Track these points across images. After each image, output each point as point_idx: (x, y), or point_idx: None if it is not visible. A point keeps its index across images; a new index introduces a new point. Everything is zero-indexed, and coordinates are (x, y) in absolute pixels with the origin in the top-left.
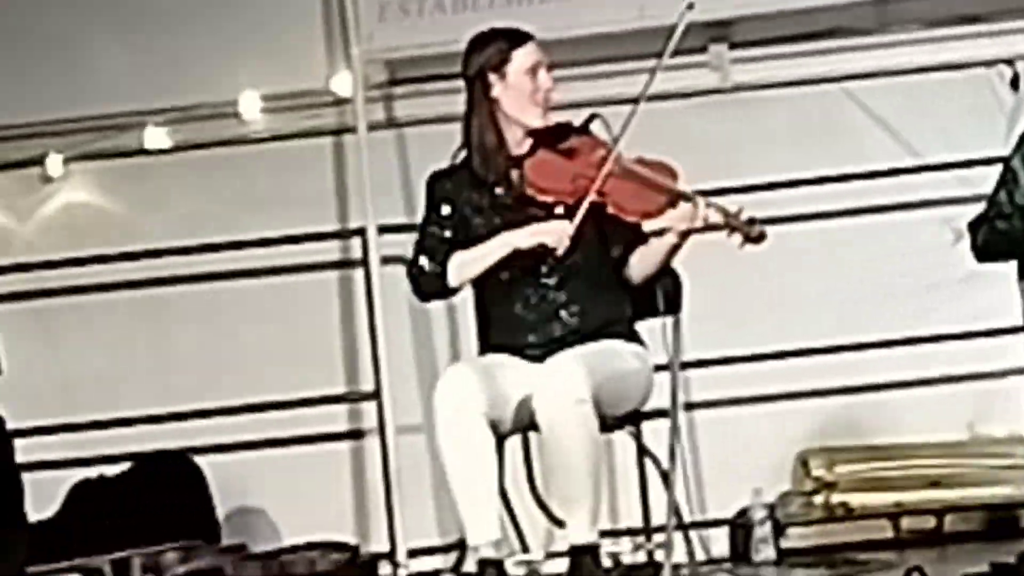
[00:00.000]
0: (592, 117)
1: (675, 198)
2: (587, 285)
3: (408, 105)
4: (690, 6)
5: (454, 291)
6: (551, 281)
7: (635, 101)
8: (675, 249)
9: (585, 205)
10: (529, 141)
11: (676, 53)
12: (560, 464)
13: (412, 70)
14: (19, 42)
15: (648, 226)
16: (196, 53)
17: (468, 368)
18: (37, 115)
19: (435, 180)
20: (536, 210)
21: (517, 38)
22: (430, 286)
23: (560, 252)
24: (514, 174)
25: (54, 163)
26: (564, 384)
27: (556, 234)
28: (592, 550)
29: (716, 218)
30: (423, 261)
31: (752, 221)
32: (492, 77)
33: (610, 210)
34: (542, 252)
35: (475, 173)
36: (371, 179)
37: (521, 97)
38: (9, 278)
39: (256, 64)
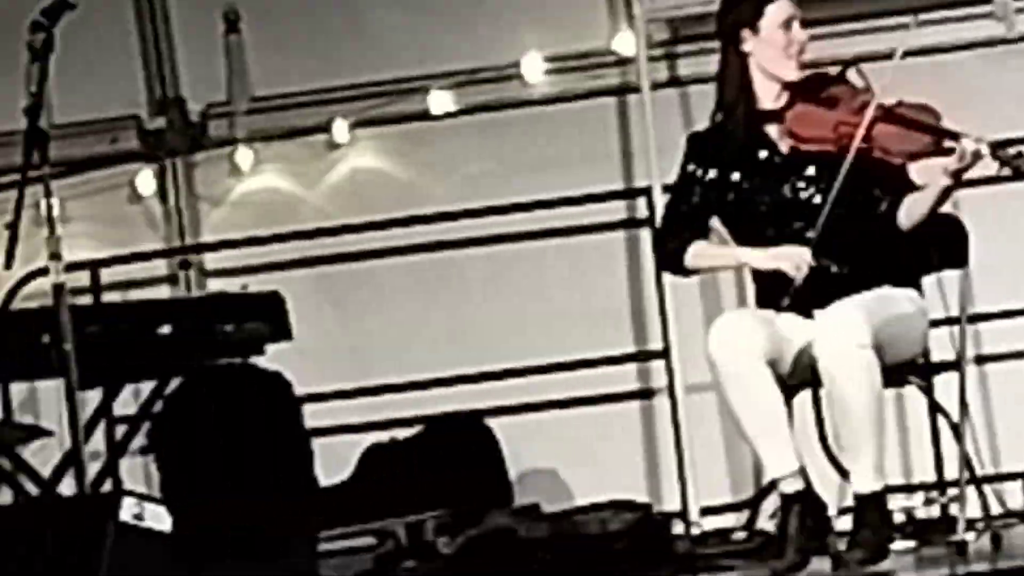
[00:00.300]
0: (848, 65)
1: (941, 138)
2: (854, 237)
3: (691, 63)
4: None
5: (689, 272)
6: (813, 235)
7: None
8: (947, 192)
9: (853, 150)
10: (787, 94)
11: (960, 4)
12: (843, 411)
13: (695, 28)
14: (304, 10)
15: (915, 168)
16: (479, 16)
17: (738, 312)
18: (323, 82)
19: (692, 141)
20: (798, 169)
21: None
22: (668, 263)
23: (799, 282)
24: (771, 129)
25: (340, 129)
26: (845, 331)
27: (794, 261)
28: (877, 498)
29: (985, 152)
30: (667, 236)
31: (1021, 155)
32: (745, 33)
33: (876, 154)
34: (780, 275)
35: (732, 132)
36: (655, 138)
37: (775, 51)
38: (297, 244)
39: (539, 26)
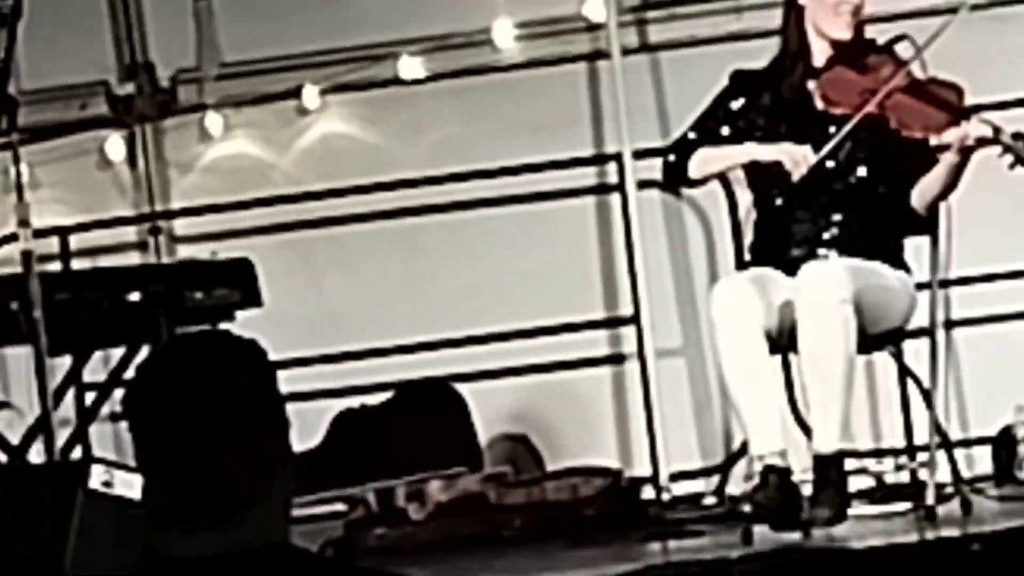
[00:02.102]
0: (900, 38)
1: (957, 115)
2: (860, 210)
3: (662, 29)
4: None
5: (694, 182)
6: (825, 202)
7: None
8: (957, 170)
9: (859, 115)
10: (832, 54)
11: None
12: (815, 368)
13: None
14: None
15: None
16: None
17: (742, 280)
18: (292, 48)
19: (735, 76)
20: (818, 120)
21: None
22: (672, 176)
23: (795, 178)
24: (810, 84)
25: (310, 95)
26: (828, 283)
27: (796, 157)
28: (839, 459)
29: (987, 134)
30: (676, 147)
31: (1018, 136)
32: None
33: (892, 125)
34: (778, 172)
35: (788, 85)
36: (626, 104)
37: (826, 7)
38: (267, 211)
39: None
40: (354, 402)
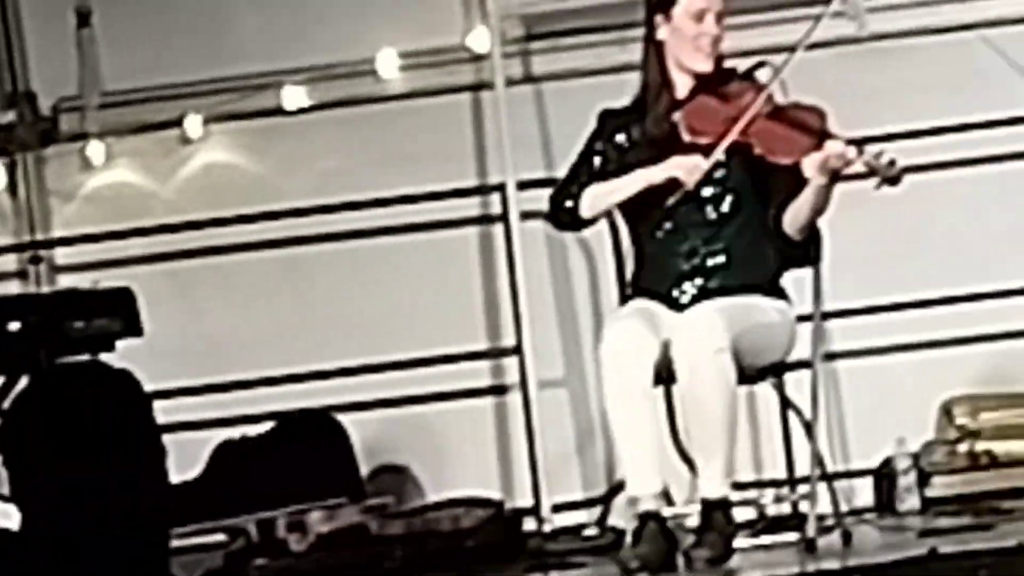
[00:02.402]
0: (760, 64)
1: (819, 138)
2: (738, 238)
3: (545, 60)
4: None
5: (587, 223)
6: (697, 232)
7: (792, 49)
8: (824, 194)
9: (726, 141)
10: (691, 85)
11: (814, 3)
12: (696, 414)
13: (548, 24)
14: (156, 5)
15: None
16: (333, 11)
17: (636, 321)
18: (175, 76)
19: (604, 115)
20: (685, 151)
21: None
22: (564, 217)
23: (690, 186)
24: (675, 116)
25: (193, 124)
26: (703, 333)
27: (688, 168)
28: (725, 503)
29: (851, 155)
30: (562, 192)
31: (892, 163)
32: (658, 18)
33: (757, 151)
34: (674, 186)
35: (651, 118)
36: (509, 135)
37: (685, 41)
38: (150, 240)
39: (393, 21)
40: (235, 432)
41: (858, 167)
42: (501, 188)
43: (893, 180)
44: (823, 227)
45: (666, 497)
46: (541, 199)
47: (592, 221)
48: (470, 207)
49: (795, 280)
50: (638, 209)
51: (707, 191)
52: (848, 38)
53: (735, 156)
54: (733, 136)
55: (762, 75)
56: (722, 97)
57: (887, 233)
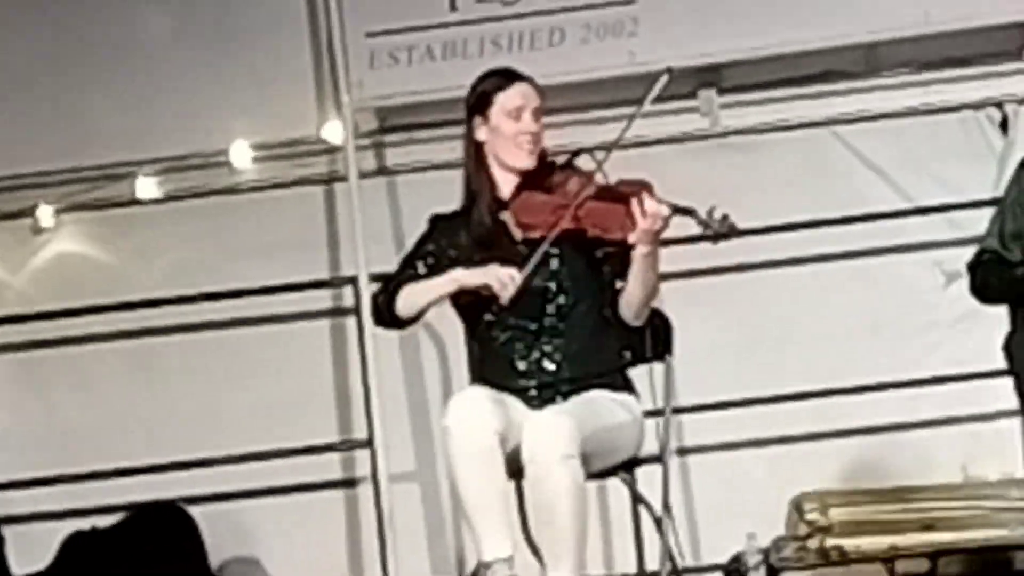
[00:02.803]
0: (578, 152)
1: (643, 207)
2: (578, 331)
3: (399, 153)
4: (669, 71)
5: (405, 322)
6: (535, 326)
7: (610, 147)
8: (649, 265)
9: (557, 229)
10: (515, 183)
11: (666, 99)
12: (545, 517)
13: (403, 117)
14: (10, 93)
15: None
16: (186, 103)
17: (479, 391)
18: (28, 166)
19: (433, 220)
20: (515, 251)
21: (505, 80)
22: (382, 315)
23: (504, 300)
24: (503, 215)
25: (45, 214)
26: (550, 440)
27: (502, 279)
28: None
29: (665, 212)
30: (381, 291)
31: (725, 217)
32: (477, 120)
33: (591, 233)
34: (488, 297)
35: (477, 222)
36: (362, 227)
37: (504, 140)
38: (2, 330)
39: (246, 113)
40: (85, 524)
41: (694, 228)
42: (354, 281)
43: (727, 235)
44: (674, 320)
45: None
46: None
47: (411, 320)
48: (322, 299)
49: (644, 374)
50: (471, 305)
51: (541, 285)
52: (701, 133)
53: (567, 247)
54: (565, 223)
55: (584, 162)
56: (547, 189)
57: (738, 328)
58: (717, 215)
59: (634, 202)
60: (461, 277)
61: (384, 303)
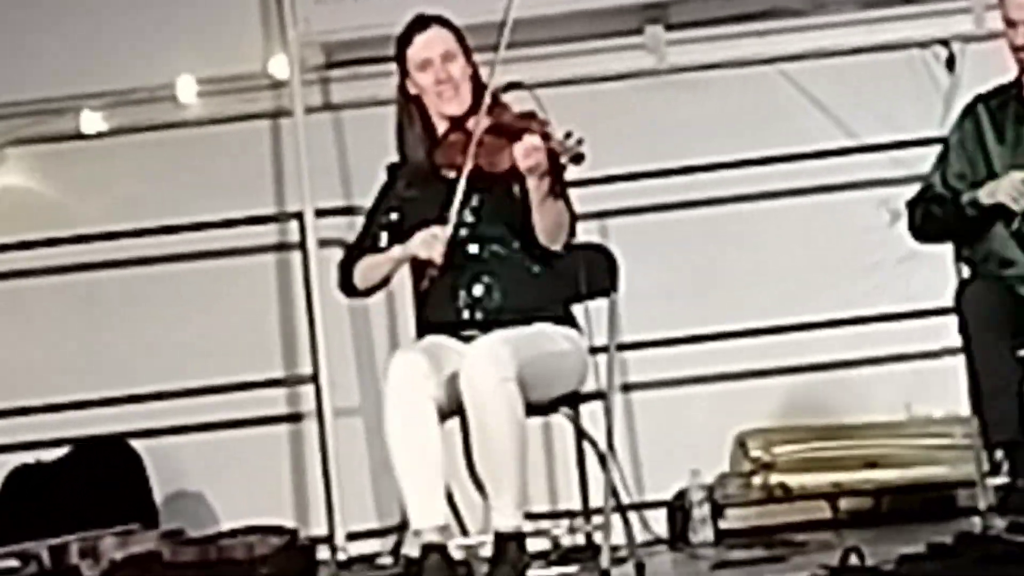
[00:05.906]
0: (509, 87)
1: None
2: (513, 265)
3: (345, 88)
4: None
5: (366, 292)
6: (469, 263)
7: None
8: (542, 192)
9: (465, 171)
10: (446, 127)
11: (612, 35)
12: (485, 445)
13: (349, 53)
14: None
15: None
16: (132, 37)
17: (417, 354)
18: None
19: (390, 169)
20: (446, 191)
21: (410, 31)
22: (344, 288)
23: (437, 260)
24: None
25: None
26: (487, 364)
27: (427, 243)
28: (517, 535)
29: (537, 143)
30: (344, 260)
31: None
32: (407, 78)
33: (488, 169)
34: (427, 260)
35: (418, 167)
36: (308, 162)
37: (427, 92)
38: None
39: (192, 48)
40: (29, 457)
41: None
42: (299, 216)
43: (576, 158)
44: (619, 257)
45: (460, 525)
46: (339, 227)
47: (373, 290)
48: (268, 234)
49: (593, 310)
50: (420, 265)
51: (469, 222)
52: (647, 70)
53: (486, 184)
54: (467, 162)
55: (514, 97)
56: (463, 130)
57: (683, 265)
58: (572, 140)
59: (520, 138)
60: (396, 254)
61: (345, 277)
